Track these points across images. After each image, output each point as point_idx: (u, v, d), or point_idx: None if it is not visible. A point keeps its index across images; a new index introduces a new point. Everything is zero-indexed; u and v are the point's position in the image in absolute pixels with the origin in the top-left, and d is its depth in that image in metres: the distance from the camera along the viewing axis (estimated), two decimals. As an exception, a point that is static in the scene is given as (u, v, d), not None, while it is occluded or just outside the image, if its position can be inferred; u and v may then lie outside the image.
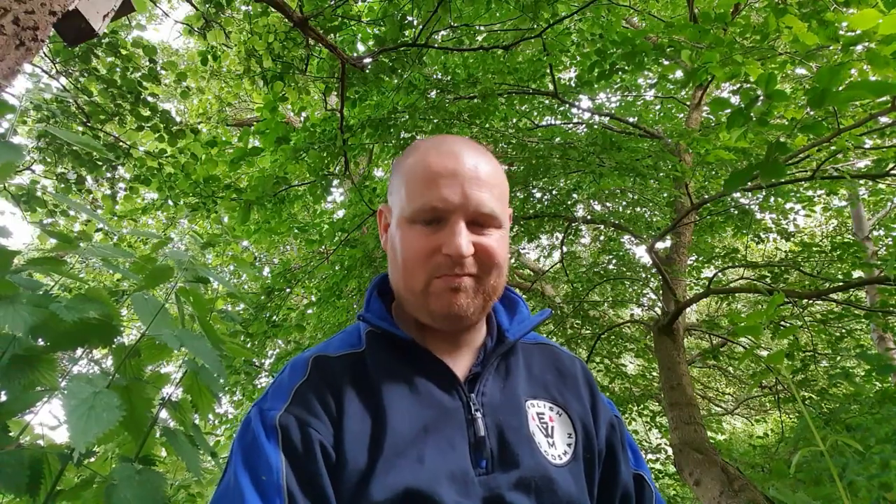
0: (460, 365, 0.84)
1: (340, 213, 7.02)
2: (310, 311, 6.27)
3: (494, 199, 0.80)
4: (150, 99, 4.55)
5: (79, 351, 1.22)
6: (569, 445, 0.82)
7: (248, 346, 5.21)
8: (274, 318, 5.58)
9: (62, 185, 4.77)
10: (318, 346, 0.87)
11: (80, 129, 4.52)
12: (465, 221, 0.78)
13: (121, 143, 4.79)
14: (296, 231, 6.22)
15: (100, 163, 4.65)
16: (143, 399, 1.22)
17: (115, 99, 4.40)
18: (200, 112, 7.41)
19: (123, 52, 4.38)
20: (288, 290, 5.86)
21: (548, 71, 5.67)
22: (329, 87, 5.15)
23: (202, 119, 7.33)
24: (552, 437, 0.82)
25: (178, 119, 4.84)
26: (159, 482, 1.11)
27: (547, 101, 7.13)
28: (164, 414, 1.33)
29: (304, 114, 5.43)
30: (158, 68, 4.57)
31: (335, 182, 5.44)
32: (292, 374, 0.81)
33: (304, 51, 4.88)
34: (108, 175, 4.98)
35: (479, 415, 0.78)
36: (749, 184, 4.47)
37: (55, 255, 1.40)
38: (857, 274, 5.31)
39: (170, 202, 5.25)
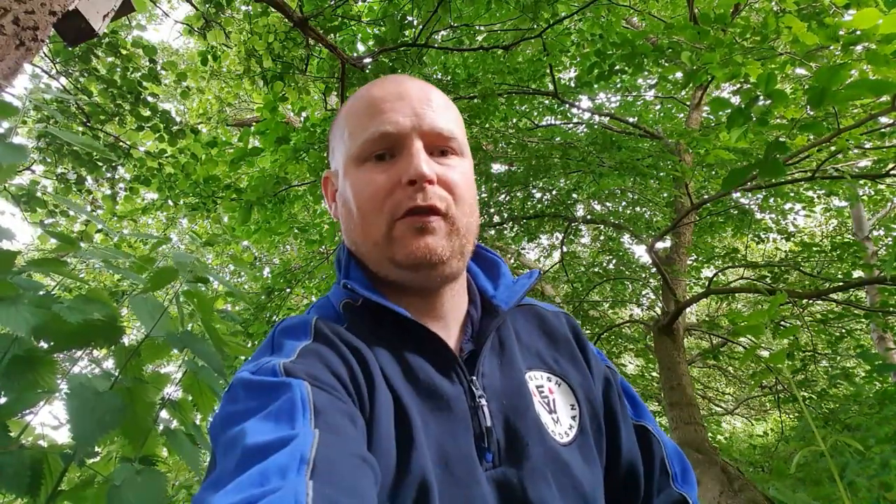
0: (448, 340, 0.72)
1: (340, 214, 7.01)
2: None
3: (451, 121, 0.72)
4: (150, 99, 4.56)
5: (79, 351, 1.22)
6: (573, 418, 0.73)
7: (249, 346, 5.21)
8: (274, 317, 5.58)
9: (62, 186, 4.77)
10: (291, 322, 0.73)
11: (80, 129, 4.52)
12: (423, 145, 0.68)
13: (121, 144, 4.79)
14: (296, 231, 6.23)
15: (100, 163, 4.65)
16: (145, 402, 1.22)
17: (115, 99, 4.40)
18: (200, 112, 7.41)
19: (123, 52, 4.38)
20: (288, 290, 5.86)
21: (548, 71, 5.67)
22: (329, 87, 5.15)
23: (202, 119, 7.33)
24: (556, 413, 0.72)
25: (178, 119, 4.85)
26: (160, 482, 1.11)
27: (547, 101, 7.13)
28: (164, 414, 1.33)
29: (304, 114, 5.44)
30: (158, 68, 4.57)
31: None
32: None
33: (304, 51, 4.88)
34: (108, 175, 4.98)
35: (483, 401, 0.67)
36: (749, 183, 4.47)
37: (56, 255, 1.40)
38: (857, 274, 5.32)
39: (170, 202, 5.26)
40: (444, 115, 0.71)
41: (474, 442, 0.64)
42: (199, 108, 7.41)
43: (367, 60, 4.55)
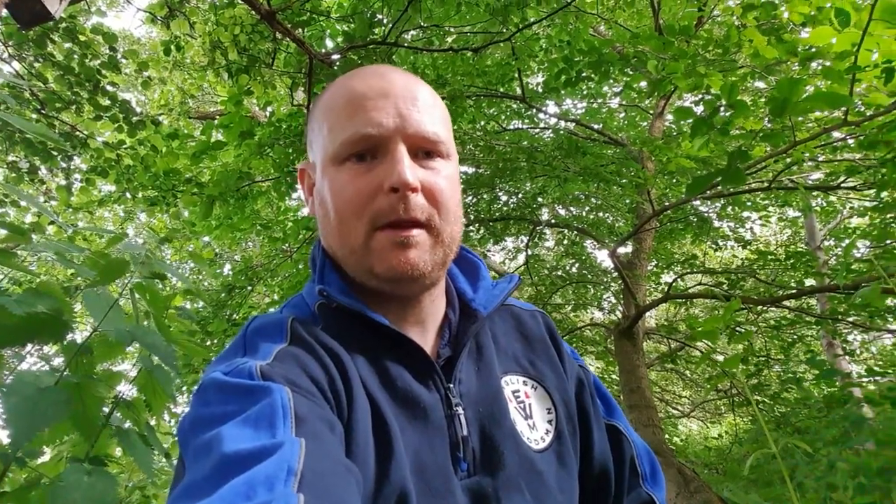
0: (426, 345, 0.70)
1: (305, 211, 6.94)
2: (272, 311, 6.17)
3: (437, 122, 0.67)
4: (109, 88, 4.41)
5: (27, 347, 1.17)
6: (549, 423, 0.73)
7: (208, 344, 5.11)
8: (234, 316, 5.47)
9: (13, 175, 4.59)
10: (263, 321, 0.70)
11: (34, 116, 4.36)
12: (407, 148, 0.64)
13: (77, 133, 4.63)
14: (259, 228, 6.12)
15: (54, 152, 4.49)
16: (95, 397, 1.18)
17: (72, 87, 4.25)
18: (162, 103, 7.22)
19: (82, 38, 4.23)
20: (249, 287, 5.76)
21: (516, 75, 5.71)
22: (296, 83, 5.09)
23: (163, 111, 7.15)
24: (531, 418, 0.71)
25: (138, 110, 4.71)
26: (109, 483, 1.07)
27: (515, 105, 7.19)
28: (119, 413, 1.29)
29: (269, 108, 5.36)
30: (119, 57, 4.43)
31: (300, 179, 5.38)
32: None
33: (270, 44, 4.81)
34: (63, 165, 4.81)
35: (459, 409, 0.66)
36: (709, 192, 4.59)
37: (5, 247, 1.34)
38: (809, 282, 5.51)
39: (128, 195, 5.11)
40: (431, 115, 0.67)
41: (450, 450, 0.64)
42: (160, 100, 7.23)
43: (336, 57, 4.50)
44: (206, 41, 4.87)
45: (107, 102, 4.42)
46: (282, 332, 0.64)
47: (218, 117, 6.13)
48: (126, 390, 1.34)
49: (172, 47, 5.01)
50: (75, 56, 4.28)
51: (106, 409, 1.22)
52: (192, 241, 7.07)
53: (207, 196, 4.92)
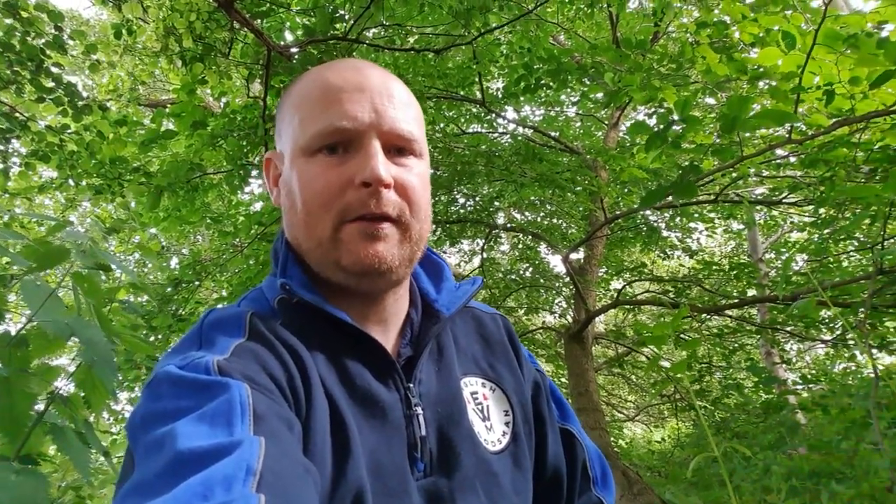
0: (387, 344, 0.69)
1: (258, 206, 6.79)
2: (219, 306, 6.01)
3: (412, 120, 0.67)
4: (53, 69, 4.21)
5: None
6: (506, 425, 0.73)
7: (151, 339, 4.93)
8: (181, 311, 5.31)
9: (-56, 156, 4.33)
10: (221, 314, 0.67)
11: (-31, 95, 4.12)
12: (381, 144, 0.63)
13: (17, 115, 4.40)
14: (209, 221, 5.96)
15: (-10, 134, 4.26)
16: (25, 393, 1.12)
17: (11, 65, 4.04)
18: (110, 88, 6.93)
19: (24, 14, 4.02)
20: (197, 282, 5.60)
21: (477, 79, 5.75)
22: (253, 74, 4.97)
23: (112, 96, 6.86)
24: (489, 420, 0.72)
25: (84, 94, 4.50)
26: (40, 483, 1.02)
27: (474, 109, 7.22)
28: (54, 410, 1.23)
29: (224, 99, 5.22)
30: (65, 37, 4.23)
31: (254, 172, 5.26)
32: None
33: (227, 34, 4.68)
34: (1, 148, 4.57)
35: (419, 409, 0.65)
36: (659, 202, 4.72)
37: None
38: (750, 292, 5.73)
39: (70, 182, 4.89)
40: (406, 113, 0.67)
41: (407, 450, 0.63)
42: (109, 84, 6.94)
43: (295, 50, 4.42)
44: (160, 26, 4.70)
45: (51, 84, 4.21)
46: (240, 326, 0.63)
47: (169, 106, 5.94)
48: (64, 385, 1.27)
49: (123, 31, 4.82)
50: (17, 33, 4.07)
51: (41, 406, 1.16)
52: (138, 233, 6.82)
53: (156, 186, 4.76)
